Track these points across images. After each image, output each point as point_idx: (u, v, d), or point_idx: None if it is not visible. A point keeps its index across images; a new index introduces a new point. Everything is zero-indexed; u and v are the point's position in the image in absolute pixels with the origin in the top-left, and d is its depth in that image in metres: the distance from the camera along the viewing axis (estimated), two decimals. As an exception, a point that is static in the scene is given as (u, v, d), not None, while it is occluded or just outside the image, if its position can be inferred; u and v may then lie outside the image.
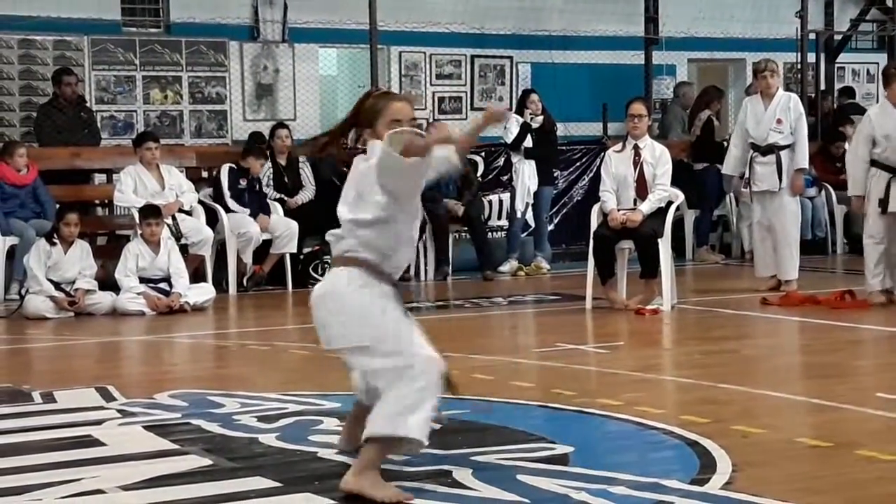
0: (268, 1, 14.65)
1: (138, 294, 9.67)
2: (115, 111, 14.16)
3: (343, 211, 4.19)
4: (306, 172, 11.94)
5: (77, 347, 8.29)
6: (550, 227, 13.02)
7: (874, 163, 9.41)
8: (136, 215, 10.28)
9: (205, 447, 4.79)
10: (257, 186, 11.42)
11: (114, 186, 11.28)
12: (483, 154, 13.08)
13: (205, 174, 12.59)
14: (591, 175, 13.19)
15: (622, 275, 9.53)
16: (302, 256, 11.43)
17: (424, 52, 15.72)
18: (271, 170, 11.83)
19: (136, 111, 14.25)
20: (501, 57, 16.15)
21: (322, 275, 11.25)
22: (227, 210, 11.14)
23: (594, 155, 13.38)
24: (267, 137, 12.40)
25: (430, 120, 14.23)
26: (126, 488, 4.16)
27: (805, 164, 10.31)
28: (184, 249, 10.40)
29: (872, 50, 18.35)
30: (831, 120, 15.50)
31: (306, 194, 11.81)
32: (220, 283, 10.88)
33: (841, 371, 6.54)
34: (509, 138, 12.39)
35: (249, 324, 9.55)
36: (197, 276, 10.57)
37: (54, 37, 13.68)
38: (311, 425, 5.13)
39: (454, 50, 15.83)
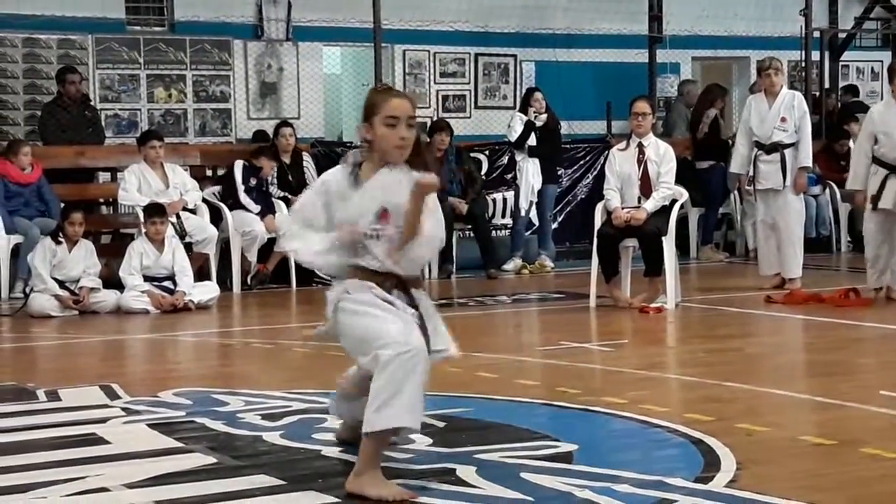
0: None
1: (142, 292, 9.68)
2: (120, 110, 14.18)
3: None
4: (310, 171, 11.94)
5: (81, 346, 8.30)
6: (554, 226, 13.02)
7: (875, 160, 9.43)
8: (141, 214, 10.30)
9: (209, 445, 4.79)
10: (264, 186, 11.43)
11: (118, 185, 11.29)
12: (487, 152, 13.10)
13: (209, 172, 12.61)
14: (595, 173, 13.19)
15: (626, 273, 9.53)
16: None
17: (428, 51, 15.74)
18: (275, 168, 11.82)
19: (140, 110, 14.27)
20: (505, 55, 16.16)
21: (326, 273, 11.27)
22: (240, 206, 11.12)
23: (598, 153, 13.38)
24: (271, 136, 12.40)
25: (434, 118, 14.24)
26: (130, 486, 4.16)
27: (809, 162, 10.30)
28: (188, 248, 10.40)
29: (877, 48, 18.34)
30: (836, 118, 15.50)
31: (310, 193, 11.80)
32: (224, 282, 10.89)
33: (845, 369, 6.54)
34: (513, 137, 12.39)
35: (253, 322, 9.56)
36: (201, 274, 10.58)
37: (58, 35, 13.70)
38: (315, 423, 5.13)
39: (458, 48, 15.84)
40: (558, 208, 13.25)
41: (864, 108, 14.60)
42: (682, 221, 11.94)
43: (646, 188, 9.27)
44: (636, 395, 5.68)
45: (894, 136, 9.34)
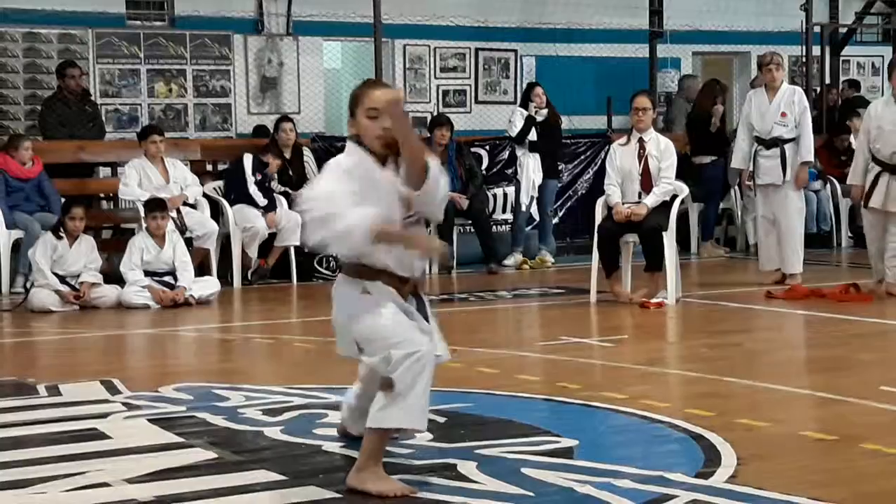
0: (272, -6, 14.68)
1: (143, 287, 9.68)
2: (120, 104, 14.18)
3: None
4: (311, 165, 11.94)
5: (82, 341, 8.30)
6: (555, 221, 13.02)
7: (871, 156, 9.49)
8: (141, 209, 10.30)
9: (210, 440, 4.79)
10: (267, 182, 11.42)
11: (118, 180, 11.29)
12: (487, 147, 13.09)
13: (209, 167, 12.61)
14: (596, 168, 13.19)
15: (627, 268, 9.53)
16: (306, 249, 11.42)
17: (429, 46, 15.73)
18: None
19: (140, 104, 14.27)
20: (506, 50, 16.15)
21: (327, 268, 11.28)
22: (244, 200, 11.08)
23: (598, 148, 13.39)
24: (271, 130, 12.40)
25: (435, 113, 14.23)
26: (131, 481, 4.17)
27: (810, 157, 10.30)
28: (188, 243, 10.40)
29: (877, 43, 18.33)
30: (837, 113, 15.50)
31: (311, 187, 11.79)
32: (224, 277, 10.89)
33: (845, 364, 6.54)
34: (514, 132, 12.38)
35: (254, 317, 9.56)
36: (202, 269, 10.57)
37: (58, 30, 13.70)
38: (316, 418, 5.14)
39: (458, 43, 15.83)
40: (559, 203, 13.25)
41: (866, 103, 14.61)
42: (683, 217, 11.94)
43: (646, 183, 9.26)
44: (637, 390, 5.68)
45: (887, 132, 9.37)
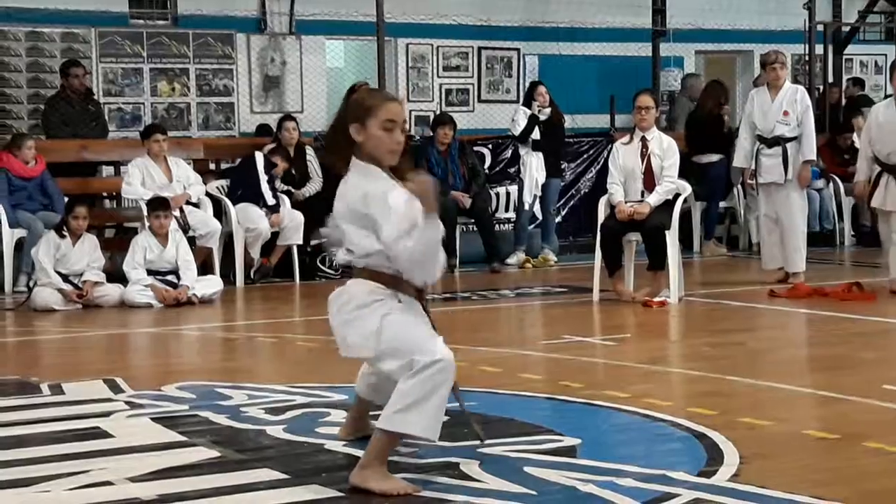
0: (275, -7, 14.69)
1: (146, 286, 9.69)
2: (123, 103, 14.19)
3: (346, 243, 4.17)
4: (313, 164, 11.95)
5: (85, 339, 8.31)
6: (558, 220, 13.02)
7: (875, 157, 9.56)
8: (144, 208, 10.31)
9: (212, 439, 4.79)
10: (274, 182, 11.43)
11: (121, 179, 11.29)
12: (490, 146, 13.09)
13: (212, 166, 12.61)
14: (599, 167, 13.20)
15: (629, 267, 9.53)
16: (309, 248, 11.43)
17: (431, 44, 15.74)
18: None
19: (143, 103, 14.28)
20: (509, 49, 16.15)
21: (329, 267, 11.28)
22: (250, 199, 11.08)
23: (601, 147, 13.39)
24: (274, 129, 12.40)
25: (437, 112, 14.23)
26: (134, 480, 4.17)
27: (812, 156, 10.30)
28: (191, 242, 10.41)
29: (880, 41, 18.33)
30: (843, 111, 15.50)
31: (313, 186, 11.81)
32: (227, 276, 10.89)
33: (848, 363, 6.54)
34: (517, 130, 12.39)
35: (257, 316, 9.57)
36: (204, 268, 10.58)
37: (62, 29, 13.71)
38: (319, 417, 5.14)
39: (461, 42, 15.84)
40: (562, 202, 13.26)
41: (871, 102, 14.64)
42: (686, 216, 11.94)
43: (649, 182, 9.26)
44: (639, 389, 5.68)
45: (885, 133, 9.45)
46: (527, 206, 12.42)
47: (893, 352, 7.11)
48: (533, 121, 12.28)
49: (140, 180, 10.87)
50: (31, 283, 9.89)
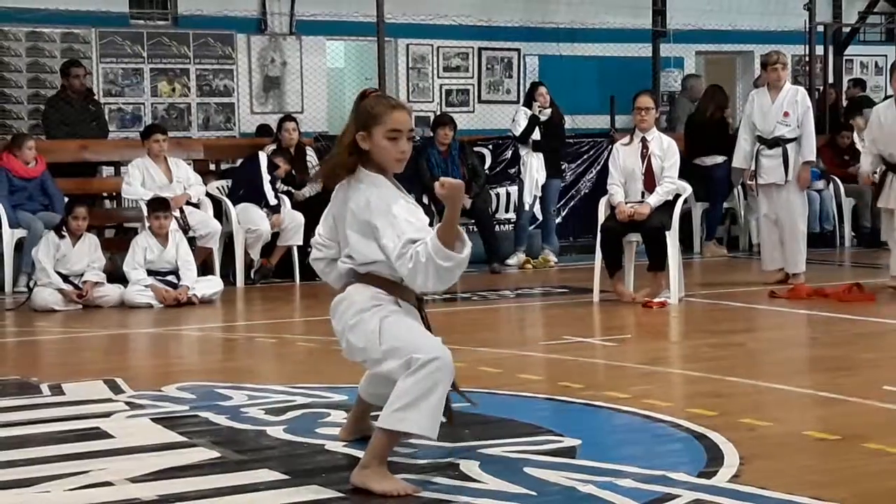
0: (275, -7, 14.70)
1: (146, 286, 9.69)
2: (123, 104, 14.20)
3: (347, 250, 4.17)
4: (314, 165, 11.94)
5: (85, 340, 8.31)
6: (558, 220, 13.02)
7: (882, 158, 9.61)
8: (144, 208, 10.31)
9: (213, 439, 4.79)
10: (275, 182, 11.43)
11: (121, 179, 11.30)
12: (491, 147, 13.09)
13: (212, 167, 12.62)
14: (599, 168, 13.19)
15: (630, 268, 9.53)
16: (309, 249, 11.40)
17: (432, 45, 15.75)
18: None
19: (143, 104, 14.29)
20: (509, 49, 16.16)
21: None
22: (251, 199, 11.08)
23: (602, 148, 13.39)
24: (275, 130, 12.41)
25: (438, 112, 14.24)
26: (134, 480, 4.17)
27: (812, 157, 10.30)
28: (191, 242, 10.41)
29: (881, 42, 18.34)
30: (843, 111, 15.50)
31: (314, 187, 11.81)
32: (227, 276, 10.89)
33: (848, 364, 6.54)
34: (517, 131, 12.39)
35: (257, 316, 9.57)
36: (205, 268, 10.59)
37: (62, 29, 13.72)
38: (319, 418, 5.14)
39: (461, 42, 15.85)
40: (562, 203, 13.25)
41: (872, 103, 14.65)
42: (686, 216, 11.94)
43: (649, 183, 9.27)
44: (639, 389, 5.68)
45: (887, 134, 9.51)
46: (527, 207, 12.42)
47: (894, 353, 7.10)
48: (533, 121, 12.28)
49: (140, 181, 10.87)
50: (31, 284, 9.89)
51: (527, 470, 4.18)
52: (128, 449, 4.65)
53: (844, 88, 16.87)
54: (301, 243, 11.21)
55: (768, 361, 6.75)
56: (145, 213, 10.21)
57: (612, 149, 10.01)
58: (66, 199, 10.59)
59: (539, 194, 12.45)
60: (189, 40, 14.41)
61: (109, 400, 5.71)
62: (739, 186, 13.06)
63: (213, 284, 10.07)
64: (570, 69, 15.67)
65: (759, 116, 10.30)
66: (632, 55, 15.67)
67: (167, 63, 14.35)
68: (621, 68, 15.45)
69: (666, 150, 9.33)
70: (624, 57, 15.76)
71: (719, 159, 13.02)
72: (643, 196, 9.25)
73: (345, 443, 4.63)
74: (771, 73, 10.32)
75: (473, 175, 12.06)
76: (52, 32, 13.70)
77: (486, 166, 12.79)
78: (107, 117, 13.17)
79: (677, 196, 9.36)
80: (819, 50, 15.64)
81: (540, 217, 12.67)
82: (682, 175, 9.53)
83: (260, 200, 11.11)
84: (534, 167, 12.35)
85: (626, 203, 9.23)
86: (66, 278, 9.67)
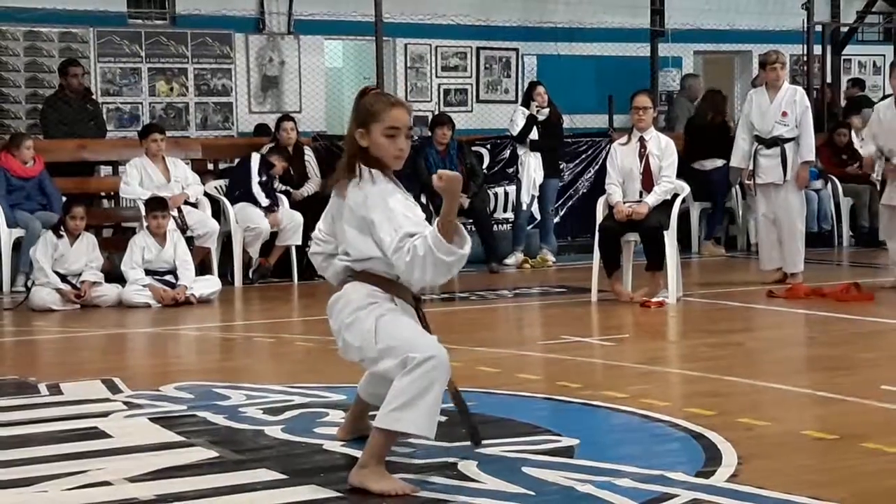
0: (273, -7, 14.69)
1: (144, 286, 9.69)
2: (121, 103, 14.20)
3: (344, 246, 4.17)
4: (312, 165, 11.94)
5: (83, 339, 8.30)
6: (556, 220, 13.02)
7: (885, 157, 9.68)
8: (142, 207, 10.30)
9: (211, 439, 4.79)
10: (272, 182, 11.43)
11: (119, 179, 11.30)
12: (489, 146, 13.09)
13: (210, 166, 12.61)
14: (597, 167, 13.20)
15: (628, 267, 9.53)
16: (307, 249, 11.41)
17: (430, 45, 15.74)
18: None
19: (141, 103, 14.28)
20: (507, 49, 16.16)
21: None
22: (247, 199, 11.09)
23: (600, 147, 13.39)
24: (272, 129, 12.40)
25: (436, 112, 14.24)
26: (132, 480, 4.17)
27: (811, 156, 10.30)
28: (189, 242, 10.41)
29: (878, 42, 18.34)
30: (842, 111, 15.50)
31: (312, 186, 11.81)
32: (225, 276, 10.89)
33: (846, 363, 6.54)
34: (515, 130, 12.38)
35: (255, 316, 9.56)
36: (203, 268, 10.59)
37: (60, 29, 13.72)
38: (317, 417, 5.14)
39: (460, 42, 15.85)
40: (560, 202, 13.25)
41: (871, 102, 14.67)
42: (684, 216, 11.95)
43: (647, 182, 9.27)
44: (637, 389, 5.68)
45: (886, 131, 9.55)
46: (525, 207, 12.42)
47: (892, 352, 7.10)
48: (531, 121, 12.28)
49: (138, 180, 10.87)
50: (29, 283, 9.88)
51: (525, 469, 4.18)
52: (126, 448, 4.65)
53: (843, 88, 16.88)
54: (300, 243, 11.21)
55: (766, 361, 6.75)
56: (143, 213, 10.21)
57: (610, 148, 10.01)
58: (64, 199, 10.58)
59: (537, 194, 12.45)
60: (187, 40, 14.40)
61: (107, 399, 5.70)
62: (737, 186, 13.07)
63: (211, 284, 10.07)
64: (569, 69, 15.67)
65: (757, 116, 10.31)
66: (630, 55, 15.67)
67: (165, 62, 14.34)
68: (619, 68, 15.45)
69: (664, 149, 9.33)
70: (622, 56, 15.77)
71: (719, 163, 13.03)
72: (641, 196, 9.25)
73: (343, 442, 4.63)
74: (770, 73, 10.32)
75: (471, 174, 12.05)
76: (50, 32, 13.69)
77: (485, 166, 12.79)
78: (105, 117, 13.17)
79: (675, 196, 9.36)
80: (817, 49, 15.65)
81: (538, 217, 12.67)
82: (681, 178, 9.53)
83: (253, 202, 11.11)
84: (532, 167, 12.35)
85: (625, 203, 9.23)
86: (63, 278, 9.67)
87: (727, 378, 5.97)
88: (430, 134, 12.21)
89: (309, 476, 4.18)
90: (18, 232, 10.67)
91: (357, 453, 4.18)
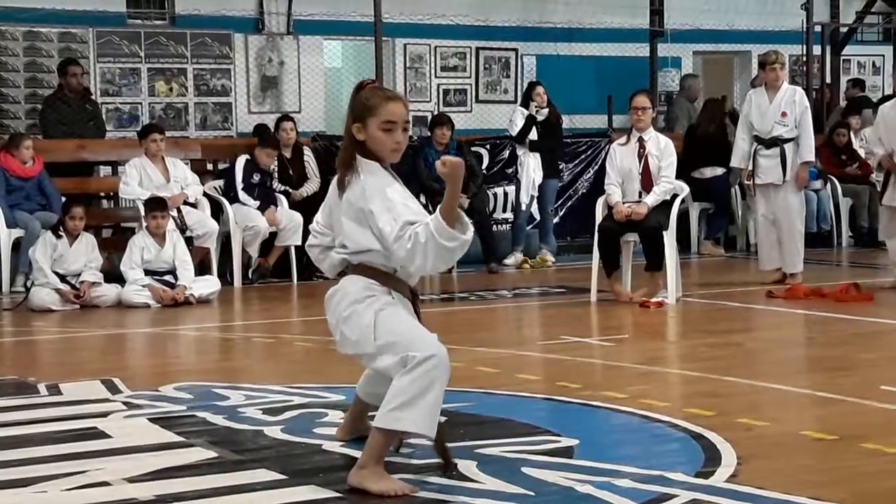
0: (272, -7, 14.69)
1: (143, 286, 9.69)
2: (121, 103, 14.19)
3: (341, 238, 4.17)
4: (311, 165, 11.94)
5: (82, 340, 8.30)
6: (555, 220, 13.02)
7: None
8: (142, 208, 10.30)
9: (210, 439, 4.79)
10: (269, 181, 11.43)
11: (119, 179, 11.29)
12: (488, 146, 13.09)
13: (210, 166, 12.61)
14: (597, 168, 13.20)
15: (627, 267, 9.53)
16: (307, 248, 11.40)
17: (429, 45, 15.74)
18: (276, 162, 11.82)
19: (141, 103, 14.28)
20: (506, 49, 16.16)
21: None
22: (237, 203, 11.13)
23: (599, 147, 13.39)
24: (272, 130, 12.40)
25: (435, 112, 14.24)
26: (131, 480, 4.16)
27: (811, 157, 10.30)
28: (189, 242, 10.41)
29: (878, 42, 18.34)
30: (841, 112, 15.50)
31: (311, 186, 11.81)
32: (224, 276, 10.89)
33: (846, 364, 6.53)
34: (514, 131, 12.39)
35: (254, 316, 9.56)
36: (202, 268, 10.58)
37: (59, 29, 13.71)
38: (316, 418, 5.13)
39: (459, 42, 15.84)
40: (559, 203, 13.25)
41: (870, 102, 14.69)
42: (683, 216, 11.95)
43: (647, 183, 9.27)
44: (637, 389, 5.68)
45: (891, 131, 9.56)
46: (524, 207, 12.42)
47: (891, 352, 7.10)
48: (530, 121, 12.28)
49: (137, 180, 10.86)
50: (28, 284, 9.88)
51: (524, 470, 4.18)
52: (125, 449, 4.64)
53: (843, 89, 16.88)
54: (299, 243, 11.19)
55: (766, 361, 6.74)
56: (142, 213, 10.21)
57: (609, 149, 10.01)
58: (64, 199, 10.58)
59: (536, 194, 12.45)
60: (186, 40, 14.40)
61: (107, 400, 5.70)
62: (737, 186, 13.08)
63: (210, 284, 10.07)
64: (568, 69, 15.66)
65: (756, 116, 10.31)
66: (629, 55, 15.67)
67: (164, 63, 14.34)
68: (619, 68, 15.45)
69: (663, 149, 9.33)
70: (621, 57, 15.77)
71: (719, 171, 13.05)
72: (640, 196, 9.25)
73: (342, 443, 4.63)
74: (769, 73, 10.32)
75: (471, 175, 12.03)
76: (49, 32, 13.68)
77: (484, 166, 12.79)
78: (104, 117, 13.17)
79: (675, 196, 9.36)
80: (816, 50, 15.65)
81: (537, 217, 12.67)
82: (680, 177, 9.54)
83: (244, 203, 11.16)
84: (531, 167, 12.35)
85: (624, 203, 9.23)
86: (63, 278, 9.67)
87: (726, 378, 5.96)
88: (429, 134, 12.21)
89: (308, 476, 4.18)
90: (18, 232, 10.67)
91: (356, 454, 4.18)
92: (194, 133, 14.33)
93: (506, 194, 12.82)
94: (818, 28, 15.60)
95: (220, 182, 11.62)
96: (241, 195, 11.17)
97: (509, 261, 12.27)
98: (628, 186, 9.32)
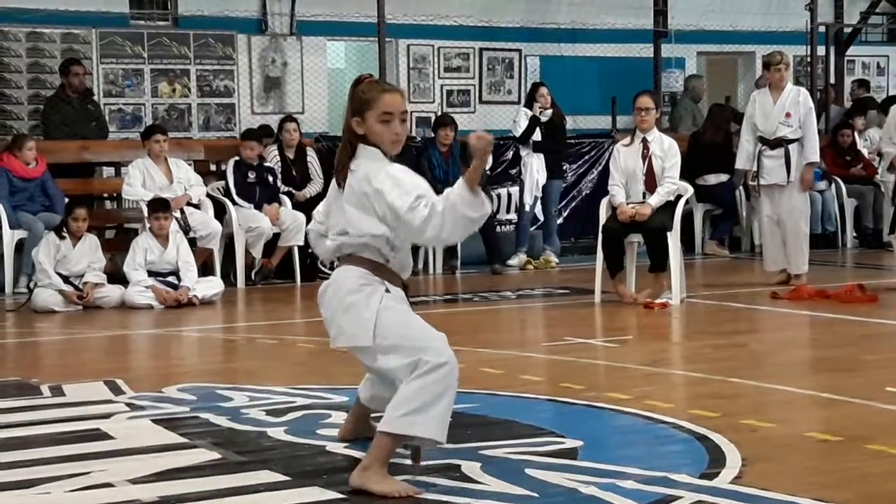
0: (276, -6, 14.69)
1: (147, 287, 9.68)
2: (123, 104, 14.19)
3: (339, 226, 4.16)
4: (314, 165, 11.94)
5: (85, 341, 8.30)
6: (559, 221, 13.01)
7: None
8: (145, 209, 10.30)
9: (213, 441, 4.78)
10: (270, 178, 11.41)
11: (122, 180, 11.29)
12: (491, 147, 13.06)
13: (213, 167, 12.60)
14: (600, 168, 13.19)
15: (631, 268, 9.52)
16: (310, 250, 11.39)
17: (433, 45, 15.73)
18: (280, 163, 11.82)
19: (144, 104, 14.28)
20: (510, 50, 16.15)
21: (331, 268, 11.26)
22: (234, 205, 11.15)
23: (603, 148, 13.38)
24: (275, 130, 12.40)
25: (439, 113, 14.23)
26: (134, 482, 4.16)
27: (815, 158, 10.29)
28: (192, 243, 10.40)
29: (882, 43, 18.33)
30: (846, 113, 15.50)
31: (315, 187, 11.80)
32: (228, 277, 10.88)
33: (850, 365, 6.52)
34: (518, 132, 12.38)
35: (258, 317, 9.56)
36: (205, 269, 10.58)
37: (62, 30, 13.71)
38: (320, 419, 5.13)
39: (462, 43, 15.84)
40: (563, 203, 13.24)
41: (875, 103, 14.68)
42: (687, 217, 11.94)
43: (650, 183, 9.26)
44: (641, 391, 5.67)
45: None
46: (528, 208, 12.42)
47: (896, 354, 7.10)
48: (534, 122, 12.27)
49: (140, 181, 10.86)
50: (31, 285, 9.88)
51: (528, 471, 4.17)
52: (128, 450, 4.64)
53: (848, 90, 16.86)
54: (302, 243, 11.19)
55: (770, 362, 6.73)
56: (146, 214, 10.20)
57: (613, 149, 10.00)
58: (67, 200, 10.58)
59: (540, 195, 12.44)
60: (189, 41, 14.40)
61: (110, 401, 5.70)
62: (741, 188, 13.06)
63: (213, 285, 10.06)
64: (572, 70, 15.66)
65: (760, 117, 10.29)
66: (633, 56, 15.66)
67: (167, 64, 14.34)
68: (622, 69, 15.44)
69: (667, 150, 9.32)
70: (625, 57, 15.76)
71: (723, 177, 13.05)
72: (644, 197, 9.24)
73: (345, 444, 4.62)
74: (774, 74, 10.30)
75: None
76: (52, 33, 13.68)
77: (487, 167, 12.75)
78: (107, 118, 13.16)
79: (679, 197, 9.35)
80: (821, 50, 15.63)
81: (541, 218, 12.66)
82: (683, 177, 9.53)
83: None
84: (534, 168, 12.34)
85: (628, 204, 9.22)
86: (66, 279, 9.67)
87: (731, 380, 5.95)
88: (433, 135, 12.20)
89: (312, 478, 4.17)
90: (21, 233, 10.67)
91: (360, 455, 4.17)
92: (197, 134, 14.33)
93: (509, 195, 12.82)
94: (822, 28, 15.58)
95: (223, 183, 11.62)
96: (237, 198, 11.16)
97: (513, 262, 12.26)
98: (632, 187, 9.31)
